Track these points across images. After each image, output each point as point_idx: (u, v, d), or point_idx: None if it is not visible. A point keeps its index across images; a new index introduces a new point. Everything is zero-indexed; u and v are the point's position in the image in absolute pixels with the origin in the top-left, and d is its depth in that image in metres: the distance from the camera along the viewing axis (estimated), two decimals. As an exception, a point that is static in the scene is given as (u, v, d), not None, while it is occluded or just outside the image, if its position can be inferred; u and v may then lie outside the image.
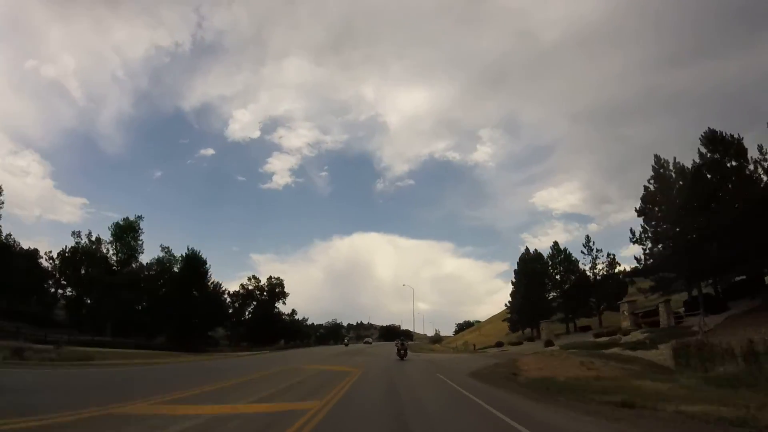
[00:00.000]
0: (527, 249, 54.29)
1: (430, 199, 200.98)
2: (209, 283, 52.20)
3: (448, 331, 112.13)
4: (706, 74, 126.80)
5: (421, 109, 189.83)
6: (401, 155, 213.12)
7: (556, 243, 50.89)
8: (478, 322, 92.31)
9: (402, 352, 24.63)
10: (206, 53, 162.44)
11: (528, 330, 51.37)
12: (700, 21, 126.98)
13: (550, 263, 49.80)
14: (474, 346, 52.13)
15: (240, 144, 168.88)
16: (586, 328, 42.72)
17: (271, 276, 64.99)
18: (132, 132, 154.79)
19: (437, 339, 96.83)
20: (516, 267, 54.20)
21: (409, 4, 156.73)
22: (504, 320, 59.24)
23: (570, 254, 48.43)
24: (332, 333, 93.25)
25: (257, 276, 64.99)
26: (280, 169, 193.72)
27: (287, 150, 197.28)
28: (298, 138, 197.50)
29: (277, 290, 63.44)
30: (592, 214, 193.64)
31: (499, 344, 46.13)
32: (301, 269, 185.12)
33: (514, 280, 54.49)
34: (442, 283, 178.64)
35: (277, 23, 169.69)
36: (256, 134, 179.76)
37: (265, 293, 62.89)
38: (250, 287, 62.78)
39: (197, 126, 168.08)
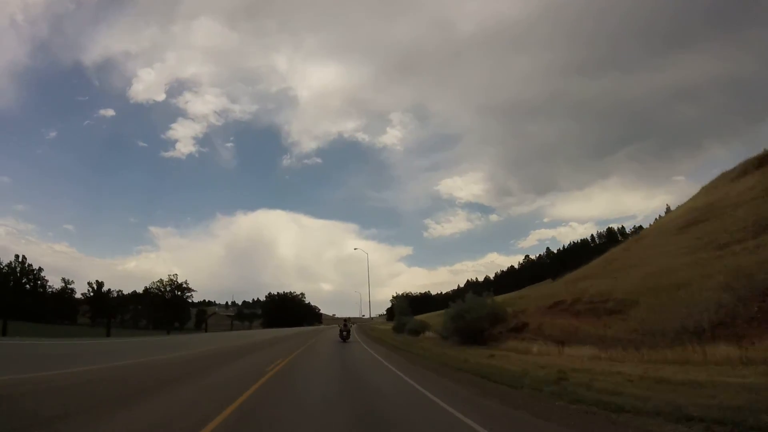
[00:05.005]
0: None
1: (336, 179, 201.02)
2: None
3: (351, 312, 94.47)
4: (610, 88, 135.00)
5: (332, 87, 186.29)
6: (310, 132, 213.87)
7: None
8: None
9: (345, 333, 26.53)
10: (113, 3, 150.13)
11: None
12: (612, 37, 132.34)
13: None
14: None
15: (143, 106, 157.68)
16: None
17: None
18: (25, 85, 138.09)
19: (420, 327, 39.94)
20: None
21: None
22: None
23: None
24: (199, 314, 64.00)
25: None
26: (183, 136, 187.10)
27: (192, 116, 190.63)
28: (204, 104, 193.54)
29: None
30: (494, 204, 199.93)
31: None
32: (202, 244, 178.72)
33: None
34: (345, 264, 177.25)
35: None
36: (161, 97, 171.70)
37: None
38: None
39: (98, 83, 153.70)
